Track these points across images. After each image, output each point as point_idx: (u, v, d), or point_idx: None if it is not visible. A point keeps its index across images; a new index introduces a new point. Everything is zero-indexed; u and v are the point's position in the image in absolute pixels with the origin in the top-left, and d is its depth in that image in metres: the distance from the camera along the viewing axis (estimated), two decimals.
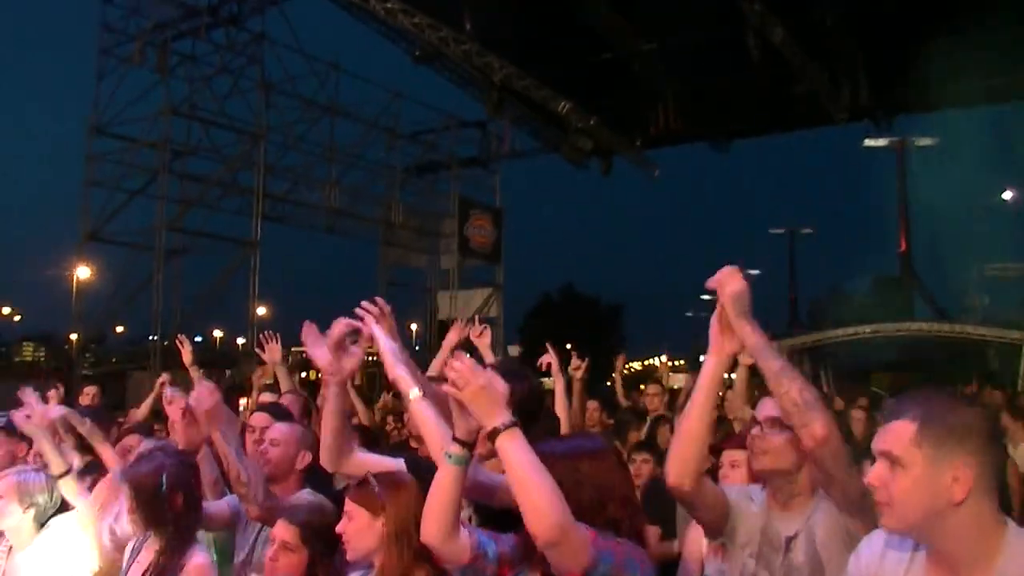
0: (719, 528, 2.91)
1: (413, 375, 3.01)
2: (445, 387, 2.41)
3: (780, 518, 2.86)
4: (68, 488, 3.98)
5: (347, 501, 2.97)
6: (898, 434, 2.07)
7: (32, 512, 3.97)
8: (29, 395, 4.16)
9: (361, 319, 3.13)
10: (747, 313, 2.61)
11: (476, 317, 5.18)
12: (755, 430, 2.89)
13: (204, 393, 3.64)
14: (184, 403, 3.79)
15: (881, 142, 28.64)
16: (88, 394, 7.66)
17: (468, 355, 2.55)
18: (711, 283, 2.63)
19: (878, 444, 2.10)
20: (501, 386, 2.38)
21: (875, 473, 2.08)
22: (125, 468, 3.59)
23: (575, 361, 5.99)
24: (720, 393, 6.92)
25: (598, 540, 2.35)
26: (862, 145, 28.87)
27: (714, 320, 2.74)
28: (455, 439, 2.52)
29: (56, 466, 4.01)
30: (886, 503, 2.07)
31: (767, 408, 2.89)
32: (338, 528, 2.97)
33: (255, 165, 23.08)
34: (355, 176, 25.84)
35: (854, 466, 2.64)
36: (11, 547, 4.00)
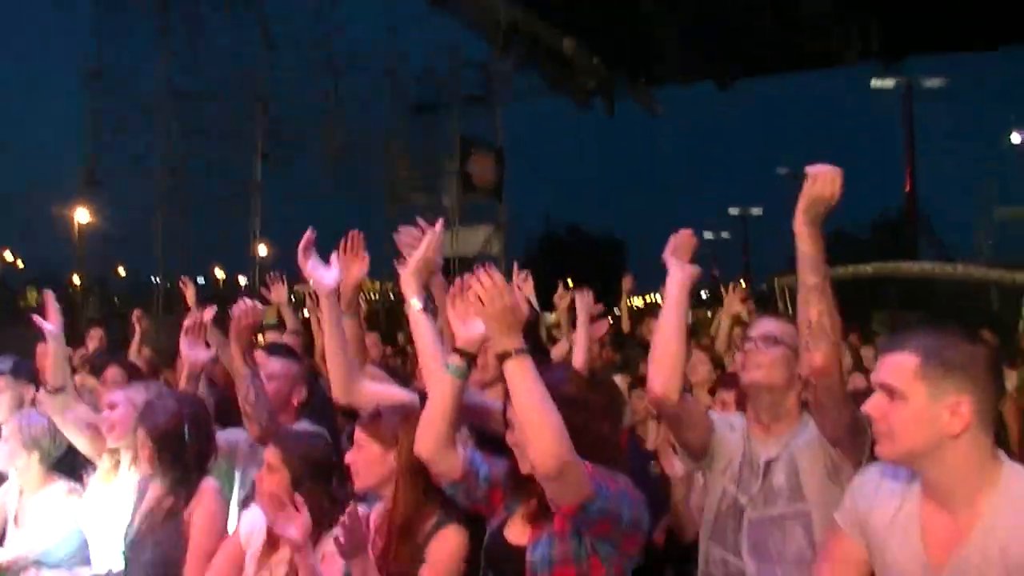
0: (700, 450, 2.94)
1: (421, 289, 3.01)
2: (468, 294, 2.39)
3: (761, 442, 2.88)
4: (58, 403, 4.02)
5: (357, 431, 2.98)
6: (899, 366, 2.08)
7: (37, 455, 4.02)
8: (51, 299, 4.20)
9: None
10: (817, 221, 2.55)
11: (516, 268, 5.12)
12: (749, 345, 2.89)
13: (243, 304, 3.64)
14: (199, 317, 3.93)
15: (888, 83, 28.18)
16: (94, 336, 7.72)
17: None
18: (813, 168, 2.55)
19: (879, 376, 2.12)
20: (524, 311, 2.38)
21: (874, 404, 2.11)
22: (141, 415, 3.61)
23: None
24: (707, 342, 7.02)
25: (596, 475, 2.37)
26: (869, 86, 28.48)
27: (667, 252, 2.89)
28: (455, 349, 2.53)
29: (56, 378, 4.04)
30: (884, 433, 2.10)
31: (764, 324, 2.91)
32: (347, 458, 2.98)
33: (256, 104, 22.87)
34: (356, 115, 25.60)
35: (849, 401, 2.64)
36: (22, 489, 4.06)
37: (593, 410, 2.53)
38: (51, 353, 4.19)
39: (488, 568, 2.63)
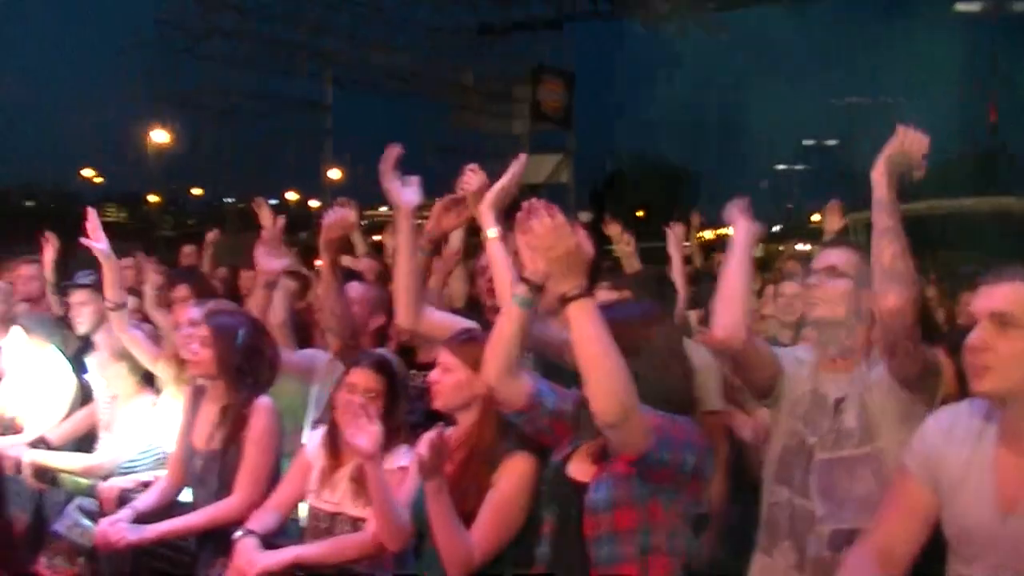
0: (767, 390, 2.87)
1: (494, 217, 2.98)
2: (526, 238, 2.32)
3: (829, 379, 2.79)
4: (118, 319, 4.17)
5: (444, 352, 2.96)
6: (1014, 295, 2.02)
7: (126, 365, 4.18)
8: (93, 217, 4.29)
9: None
10: (895, 172, 2.53)
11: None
12: (812, 278, 2.80)
13: (333, 213, 3.75)
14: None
15: (974, 6, 27.05)
16: (188, 254, 7.90)
17: None
18: (905, 128, 2.54)
19: (986, 304, 2.06)
20: (588, 251, 2.33)
21: (979, 335, 2.04)
22: (208, 311, 3.72)
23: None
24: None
25: (659, 425, 2.32)
26: (953, 9, 27.37)
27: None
28: (522, 278, 2.47)
29: (113, 294, 4.20)
30: (986, 366, 2.03)
31: (826, 256, 2.81)
32: (431, 377, 2.98)
33: (328, 28, 22.87)
34: (426, 39, 25.43)
35: (922, 343, 2.57)
36: (115, 396, 4.24)
37: (662, 355, 2.46)
38: (105, 270, 4.28)
39: (551, 500, 2.60)
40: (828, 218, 6.58)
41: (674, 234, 4.72)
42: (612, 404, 2.20)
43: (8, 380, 4.72)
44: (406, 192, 3.20)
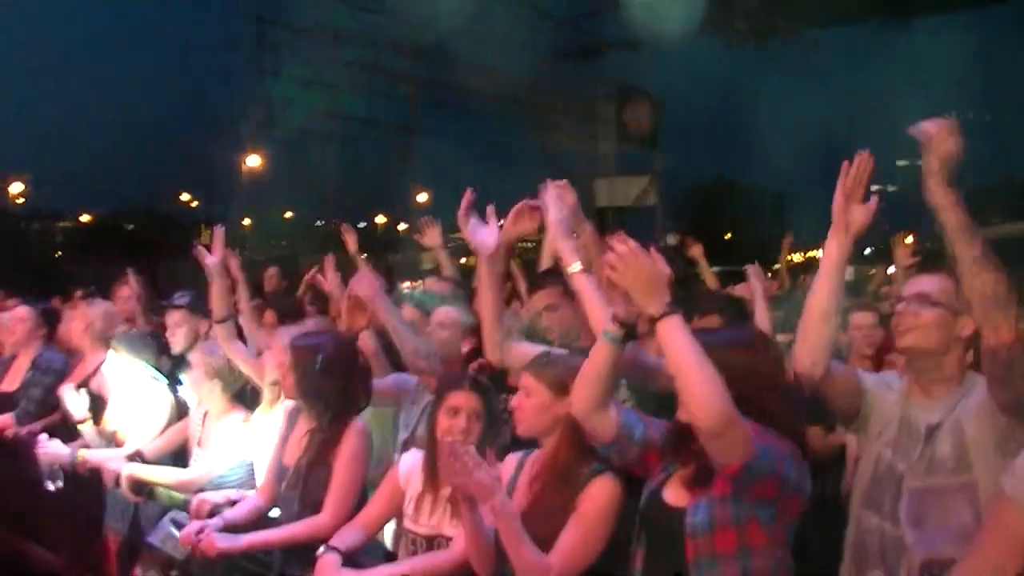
0: (851, 415, 2.80)
1: (577, 249, 2.96)
2: (604, 271, 2.36)
3: (921, 405, 2.70)
4: (223, 333, 4.33)
5: (525, 375, 2.96)
6: None
7: (219, 384, 4.31)
8: (219, 235, 4.58)
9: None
10: (951, 180, 2.41)
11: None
12: (900, 306, 2.71)
13: (365, 279, 3.80)
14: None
15: None
16: (270, 276, 8.09)
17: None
18: (920, 132, 2.43)
19: None
20: (664, 271, 2.33)
21: None
22: (294, 336, 3.81)
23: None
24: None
25: (759, 433, 2.31)
26: None
27: (839, 193, 2.60)
28: (615, 318, 2.48)
29: (219, 309, 4.40)
30: None
31: (918, 283, 2.72)
32: (513, 403, 2.98)
33: (415, 51, 23.20)
34: (511, 61, 25.61)
35: None
36: (206, 412, 4.36)
37: (763, 376, 2.45)
38: (213, 286, 4.51)
39: (643, 527, 2.60)
40: (898, 253, 6.41)
41: (756, 276, 4.66)
42: (713, 413, 2.21)
43: (110, 397, 4.90)
44: (484, 235, 3.21)
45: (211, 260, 4.51)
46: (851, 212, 2.63)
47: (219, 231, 4.63)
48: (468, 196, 3.23)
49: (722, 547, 2.35)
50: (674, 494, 2.51)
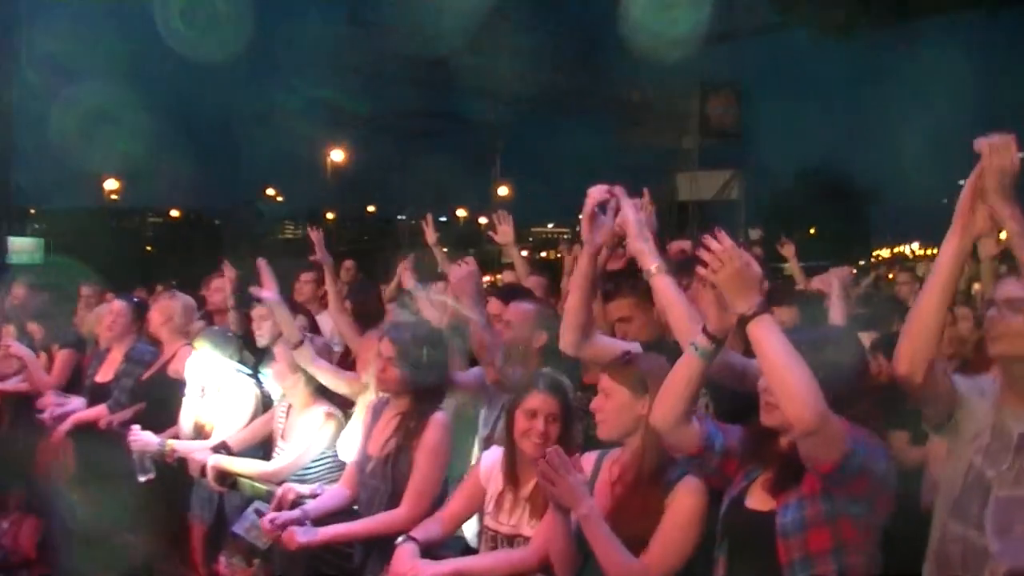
0: (943, 420, 2.68)
1: (655, 250, 2.91)
2: (698, 268, 2.34)
3: (1014, 413, 2.59)
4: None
5: (604, 378, 2.93)
6: None
7: (302, 378, 4.37)
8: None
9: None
10: (1009, 194, 2.35)
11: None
12: (991, 311, 2.59)
13: (460, 271, 3.81)
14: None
15: None
16: (347, 268, 8.20)
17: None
18: (980, 143, 2.37)
19: None
20: (757, 270, 2.31)
21: None
22: (390, 327, 3.86)
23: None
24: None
25: (852, 430, 2.29)
26: None
27: (966, 192, 2.47)
28: (704, 331, 2.46)
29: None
30: None
31: (1008, 287, 2.59)
32: (592, 405, 2.95)
33: (498, 48, 23.30)
34: (593, 55, 25.53)
35: None
36: (290, 406, 4.43)
37: (853, 376, 2.43)
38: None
39: (725, 536, 2.57)
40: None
41: (838, 276, 4.54)
42: (807, 410, 2.20)
43: (196, 390, 5.01)
44: (597, 232, 3.15)
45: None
46: (976, 212, 2.49)
47: (316, 235, 4.84)
48: (599, 192, 3.10)
49: (815, 545, 2.33)
50: (757, 499, 2.49)
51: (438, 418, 3.60)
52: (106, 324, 5.89)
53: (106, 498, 5.21)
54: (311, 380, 4.39)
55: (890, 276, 9.14)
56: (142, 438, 4.73)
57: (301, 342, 4.35)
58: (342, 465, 4.19)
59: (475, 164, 24.69)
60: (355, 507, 3.87)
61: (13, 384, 6.59)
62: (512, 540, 3.19)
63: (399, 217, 23.80)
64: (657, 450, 2.78)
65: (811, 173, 47.49)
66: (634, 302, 3.58)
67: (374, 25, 22.11)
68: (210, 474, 4.41)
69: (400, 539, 3.26)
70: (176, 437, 4.85)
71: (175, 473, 4.68)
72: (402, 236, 22.56)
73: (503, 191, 27.16)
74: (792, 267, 7.12)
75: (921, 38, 22.92)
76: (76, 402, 5.84)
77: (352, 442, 4.14)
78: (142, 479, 4.73)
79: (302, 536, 3.49)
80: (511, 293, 4.39)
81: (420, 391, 3.63)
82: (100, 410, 5.53)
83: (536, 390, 3.15)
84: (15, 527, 5.80)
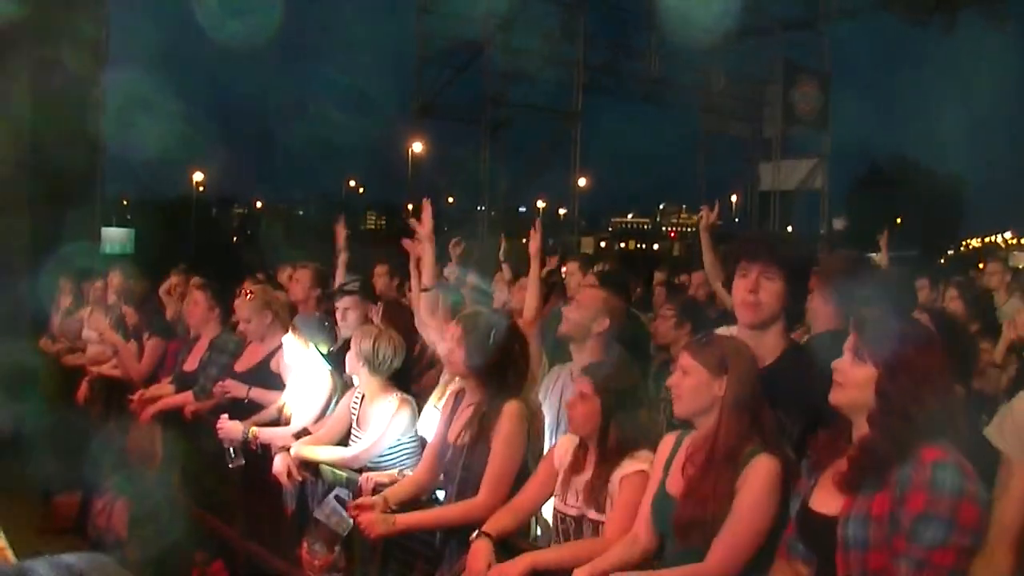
0: None
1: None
2: None
3: None
4: (428, 300, 4.73)
5: (684, 355, 2.95)
6: None
7: (366, 367, 4.43)
8: (427, 207, 4.96)
9: None
10: None
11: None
12: None
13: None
14: None
15: None
16: (379, 275, 8.36)
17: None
18: None
19: None
20: None
21: None
22: (465, 311, 3.98)
23: None
24: None
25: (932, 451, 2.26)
26: None
27: None
28: None
29: (428, 277, 4.75)
30: None
31: None
32: (670, 381, 2.97)
33: (576, 36, 23.21)
34: (675, 43, 25.21)
35: None
36: (363, 396, 4.49)
37: (930, 376, 2.35)
38: (424, 254, 4.87)
39: (799, 538, 2.54)
40: None
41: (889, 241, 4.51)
42: None
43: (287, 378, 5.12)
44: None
45: (423, 229, 4.87)
46: None
47: (427, 204, 4.97)
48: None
49: (875, 565, 2.26)
50: (822, 500, 2.46)
51: (513, 407, 3.62)
52: (192, 313, 6.04)
53: (194, 482, 5.35)
54: (375, 369, 4.37)
55: (980, 266, 8.91)
56: (227, 426, 4.84)
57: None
58: (420, 450, 4.24)
59: (555, 154, 24.58)
60: (436, 493, 3.93)
61: (108, 368, 6.83)
62: (579, 521, 3.25)
63: (478, 208, 23.82)
64: (733, 429, 2.78)
65: (898, 161, 46.37)
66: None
67: (450, 16, 22.17)
68: (290, 462, 4.46)
69: (474, 535, 3.31)
70: (259, 424, 4.94)
71: (259, 460, 4.77)
72: (480, 225, 22.57)
73: (582, 181, 27.05)
74: (882, 258, 7.03)
75: (1012, 22, 22.06)
76: (165, 388, 6.02)
77: (431, 426, 4.20)
78: (231, 466, 4.85)
79: (379, 526, 3.54)
80: (601, 274, 4.47)
81: (492, 380, 3.67)
82: (186, 396, 5.69)
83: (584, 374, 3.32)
84: (108, 508, 5.97)
